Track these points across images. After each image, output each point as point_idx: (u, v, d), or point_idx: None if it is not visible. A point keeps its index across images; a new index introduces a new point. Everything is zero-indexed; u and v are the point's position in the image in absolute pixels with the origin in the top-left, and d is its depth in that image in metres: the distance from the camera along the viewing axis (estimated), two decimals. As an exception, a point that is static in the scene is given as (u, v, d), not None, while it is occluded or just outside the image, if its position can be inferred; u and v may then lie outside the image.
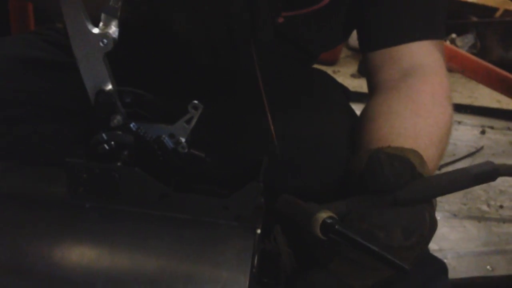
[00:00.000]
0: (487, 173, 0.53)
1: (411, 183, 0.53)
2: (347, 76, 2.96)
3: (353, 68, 3.07)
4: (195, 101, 0.53)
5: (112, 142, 0.53)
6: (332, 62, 3.04)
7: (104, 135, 0.53)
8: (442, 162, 0.64)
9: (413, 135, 0.67)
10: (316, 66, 1.02)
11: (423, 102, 0.72)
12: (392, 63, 0.79)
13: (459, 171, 0.54)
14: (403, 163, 0.55)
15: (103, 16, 0.51)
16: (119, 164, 0.52)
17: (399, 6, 0.80)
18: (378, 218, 0.50)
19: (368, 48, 0.83)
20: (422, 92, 0.73)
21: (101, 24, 0.52)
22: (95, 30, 0.51)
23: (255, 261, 0.52)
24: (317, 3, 0.80)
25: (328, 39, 0.91)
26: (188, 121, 0.53)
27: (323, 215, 0.50)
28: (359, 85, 2.86)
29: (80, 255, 0.50)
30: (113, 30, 0.52)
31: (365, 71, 0.86)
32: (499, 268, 1.59)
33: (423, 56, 0.78)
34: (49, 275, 0.49)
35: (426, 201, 0.54)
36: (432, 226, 0.53)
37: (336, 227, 0.49)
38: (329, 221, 0.50)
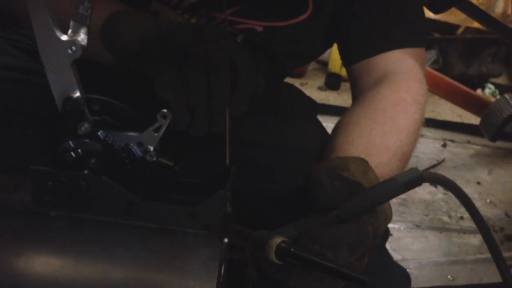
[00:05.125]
0: (414, 180, 0.56)
1: (351, 197, 0.56)
2: (314, 89, 3.00)
3: (320, 81, 3.11)
4: (164, 110, 0.53)
5: (79, 150, 0.53)
6: (299, 75, 3.07)
7: (71, 142, 0.52)
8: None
9: (366, 142, 0.70)
10: (284, 78, 1.03)
11: (383, 109, 0.74)
12: (367, 73, 0.82)
13: (390, 180, 0.57)
14: (339, 179, 0.57)
15: (72, 23, 0.51)
16: (86, 172, 0.52)
17: (375, 18, 0.83)
18: (326, 238, 0.52)
19: (347, 62, 0.86)
20: (384, 100, 0.76)
21: (70, 31, 0.51)
22: (64, 37, 0.51)
23: (222, 270, 0.52)
24: (293, 17, 0.82)
25: (303, 54, 0.93)
26: (157, 130, 0.53)
27: (277, 240, 0.51)
28: (326, 97, 2.90)
29: (44, 264, 0.49)
30: (82, 37, 0.52)
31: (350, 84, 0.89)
32: (460, 278, 1.63)
33: (396, 64, 0.81)
34: (12, 286, 0.48)
35: (367, 212, 0.56)
36: (376, 234, 0.56)
37: (292, 250, 0.50)
38: (283, 245, 0.51)
